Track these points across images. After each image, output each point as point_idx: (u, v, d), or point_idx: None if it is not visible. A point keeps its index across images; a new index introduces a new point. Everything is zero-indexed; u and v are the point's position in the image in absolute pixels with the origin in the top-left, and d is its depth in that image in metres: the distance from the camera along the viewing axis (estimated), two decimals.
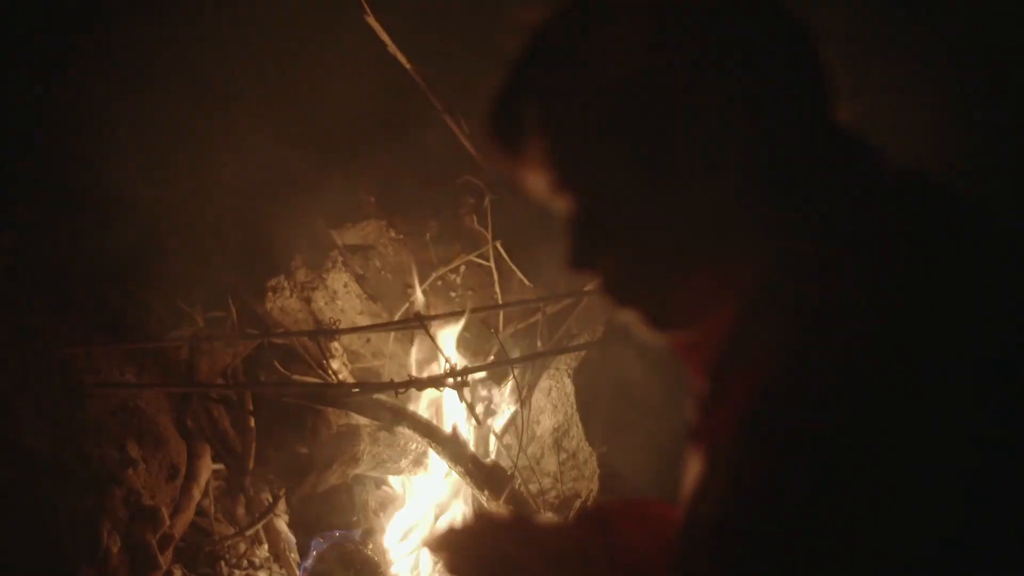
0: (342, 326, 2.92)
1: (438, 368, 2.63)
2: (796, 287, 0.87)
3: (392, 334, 3.03)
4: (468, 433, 2.65)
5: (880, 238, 0.87)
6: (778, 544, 0.77)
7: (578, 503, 2.45)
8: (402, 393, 2.53)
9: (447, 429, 2.57)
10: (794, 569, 0.76)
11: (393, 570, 2.66)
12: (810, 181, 0.92)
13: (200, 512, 2.80)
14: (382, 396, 2.61)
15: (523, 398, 2.67)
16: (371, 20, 2.86)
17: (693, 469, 0.93)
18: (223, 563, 2.69)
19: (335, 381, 2.78)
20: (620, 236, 0.96)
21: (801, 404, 0.79)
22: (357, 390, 2.61)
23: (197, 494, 2.77)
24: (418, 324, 2.57)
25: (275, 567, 2.75)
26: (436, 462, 2.68)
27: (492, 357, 2.78)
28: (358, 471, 2.67)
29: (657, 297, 0.98)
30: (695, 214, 0.92)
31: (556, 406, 2.63)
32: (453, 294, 3.02)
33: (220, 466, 2.93)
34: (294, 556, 2.75)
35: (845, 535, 0.74)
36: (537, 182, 1.01)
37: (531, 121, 0.97)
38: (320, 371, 2.83)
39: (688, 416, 1.01)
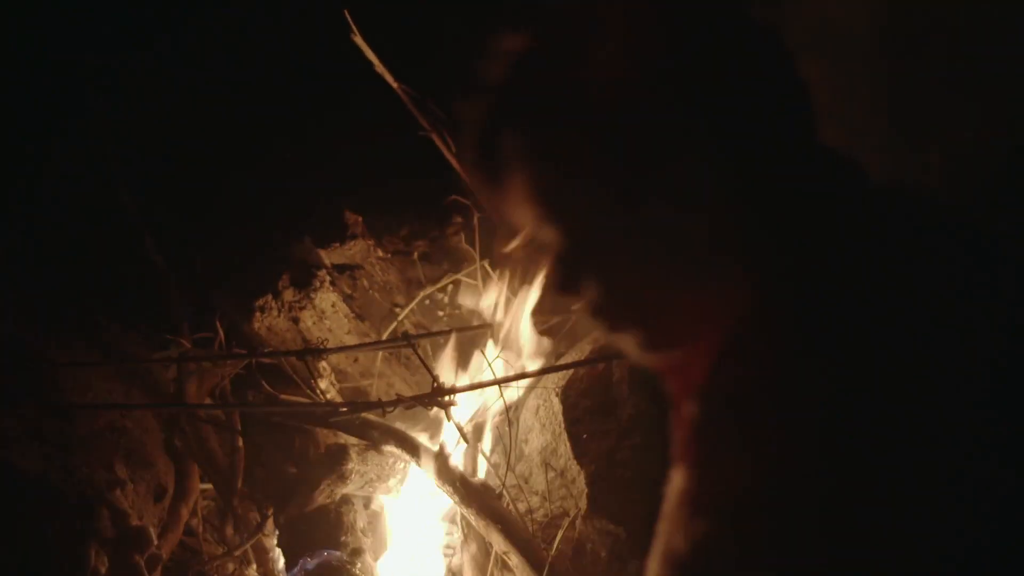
0: (330, 345, 2.92)
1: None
2: (782, 313, 0.89)
3: (380, 353, 3.04)
4: (456, 452, 2.65)
5: (863, 263, 0.88)
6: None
7: (566, 522, 2.45)
8: (390, 412, 2.53)
9: (435, 448, 2.57)
10: None
11: None
12: (793, 206, 0.93)
13: (188, 532, 2.79)
14: (370, 415, 2.62)
15: (511, 417, 2.68)
16: (358, 39, 2.87)
17: (674, 486, 0.94)
18: None
19: (323, 400, 2.78)
20: (604, 264, 0.97)
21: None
22: (345, 409, 2.61)
23: (185, 514, 2.77)
24: (406, 343, 2.58)
25: None
26: (424, 481, 2.68)
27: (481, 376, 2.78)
28: (346, 490, 2.67)
29: (643, 322, 0.99)
30: (679, 242, 0.93)
31: (544, 425, 2.63)
32: (441, 313, 3.03)
33: (208, 486, 2.93)
34: None
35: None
36: (520, 211, 1.01)
37: (514, 152, 0.97)
38: (308, 391, 2.82)
39: (671, 436, 1.03)
